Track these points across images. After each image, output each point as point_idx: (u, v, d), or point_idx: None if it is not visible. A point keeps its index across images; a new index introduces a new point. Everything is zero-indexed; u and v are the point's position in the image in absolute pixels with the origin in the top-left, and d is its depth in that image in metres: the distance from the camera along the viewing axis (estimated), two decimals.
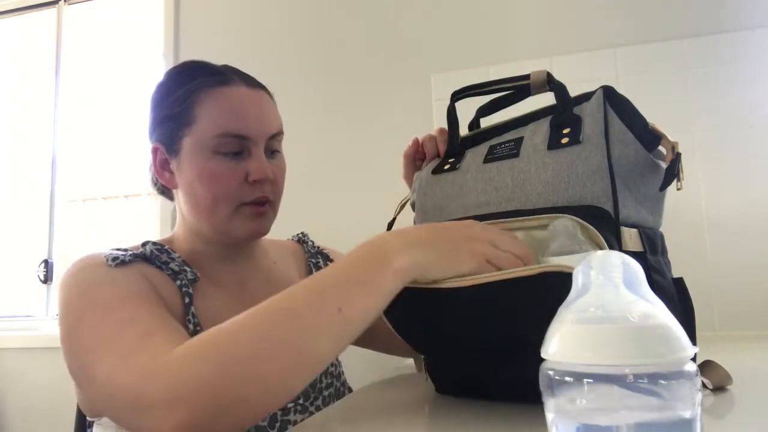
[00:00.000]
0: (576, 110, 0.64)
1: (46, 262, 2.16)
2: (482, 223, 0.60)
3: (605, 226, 0.55)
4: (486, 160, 0.67)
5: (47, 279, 2.15)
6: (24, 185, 2.29)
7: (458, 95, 0.75)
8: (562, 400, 0.33)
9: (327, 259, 0.96)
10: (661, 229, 0.66)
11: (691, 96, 1.47)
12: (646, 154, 0.60)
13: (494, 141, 0.70)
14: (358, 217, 1.70)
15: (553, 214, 0.57)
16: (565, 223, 0.55)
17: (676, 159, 0.59)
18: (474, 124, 0.80)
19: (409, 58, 1.77)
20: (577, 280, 0.37)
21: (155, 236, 0.85)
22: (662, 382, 0.31)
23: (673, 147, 0.60)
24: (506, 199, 0.62)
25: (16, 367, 1.99)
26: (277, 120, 0.81)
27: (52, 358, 1.93)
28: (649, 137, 0.61)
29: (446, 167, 0.72)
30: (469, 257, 0.54)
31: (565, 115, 0.63)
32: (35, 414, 1.95)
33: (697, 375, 0.32)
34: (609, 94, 0.62)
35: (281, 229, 0.97)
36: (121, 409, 0.54)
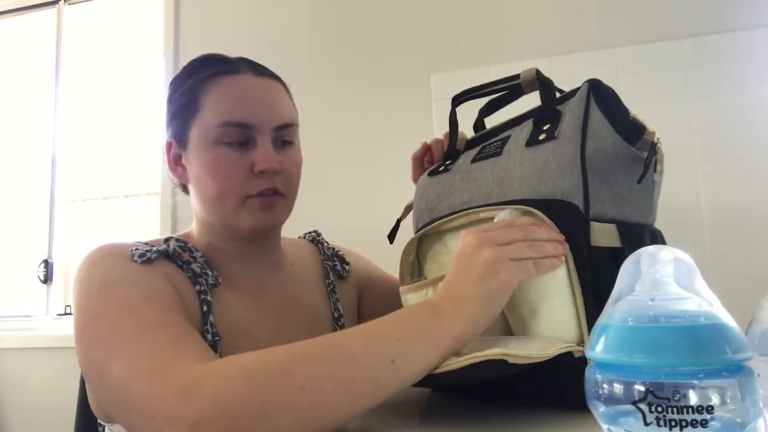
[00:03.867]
0: (561, 107, 0.64)
1: (46, 262, 2.16)
2: (468, 230, 0.57)
3: (571, 221, 0.55)
4: (474, 160, 0.68)
5: (47, 279, 2.15)
6: (24, 185, 2.29)
7: (458, 100, 0.76)
8: (611, 403, 0.31)
9: (343, 261, 0.92)
10: (657, 226, 0.66)
11: (691, 96, 1.47)
12: (626, 147, 0.59)
13: (488, 141, 0.71)
14: (357, 217, 1.70)
15: (503, 206, 0.58)
16: (509, 213, 0.56)
17: (651, 150, 0.58)
18: (478, 124, 0.81)
19: (409, 58, 1.77)
20: (625, 277, 0.34)
21: (155, 236, 0.83)
22: (721, 383, 0.29)
23: (653, 134, 0.60)
24: (486, 195, 0.64)
25: (16, 367, 1.99)
26: (288, 110, 0.77)
27: (52, 358, 1.93)
28: (630, 129, 0.60)
29: (441, 169, 0.73)
30: (498, 271, 0.52)
31: (546, 112, 0.64)
32: (35, 414, 1.94)
33: (758, 375, 0.30)
34: (594, 87, 0.62)
35: (284, 229, 0.97)
36: (134, 416, 0.49)
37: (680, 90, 1.48)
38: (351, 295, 0.90)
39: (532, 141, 0.62)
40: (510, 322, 0.60)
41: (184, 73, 0.79)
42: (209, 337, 0.66)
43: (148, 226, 2.07)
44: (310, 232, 0.97)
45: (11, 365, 2.00)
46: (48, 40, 2.32)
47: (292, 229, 1.02)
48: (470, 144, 0.76)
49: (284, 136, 0.76)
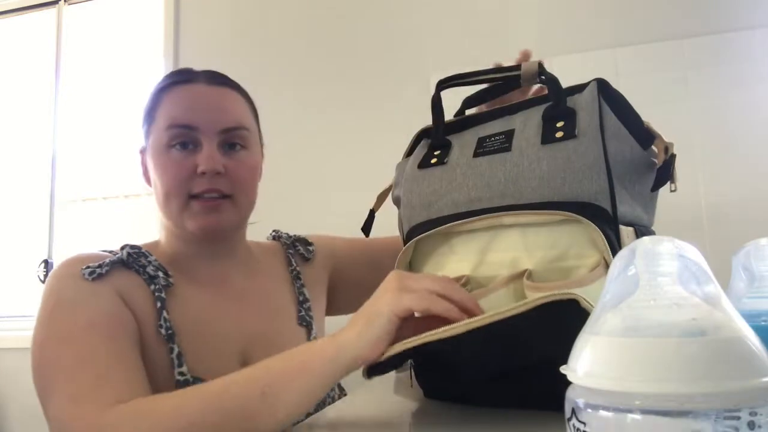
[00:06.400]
0: (569, 102, 0.62)
1: (46, 262, 2.16)
2: (400, 272, 0.58)
3: (606, 225, 0.54)
4: (476, 154, 0.64)
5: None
6: (24, 185, 2.29)
7: (444, 84, 0.72)
8: None
9: (305, 243, 0.95)
10: (653, 228, 0.66)
11: (691, 96, 1.47)
12: (641, 151, 0.59)
13: (482, 132, 0.67)
14: (358, 216, 1.69)
15: (552, 211, 0.55)
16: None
17: (670, 161, 0.57)
18: (460, 115, 0.77)
19: (409, 57, 1.77)
20: (615, 278, 0.29)
21: (155, 236, 0.84)
22: (741, 416, 0.22)
23: (666, 148, 0.59)
24: (499, 194, 0.60)
25: (16, 367, 1.99)
26: (236, 114, 0.80)
27: None
28: (643, 135, 0.60)
29: (433, 161, 0.69)
30: (382, 320, 0.54)
31: (558, 108, 0.62)
32: (35, 414, 1.94)
33: None
34: (603, 87, 0.61)
35: (284, 227, 0.97)
36: None
37: (680, 90, 1.48)
38: (319, 275, 0.93)
39: (547, 138, 0.59)
40: None
41: (153, 87, 0.84)
42: (163, 331, 0.71)
43: (148, 226, 2.06)
44: (270, 233, 0.99)
45: (11, 365, 2.00)
46: (48, 40, 2.32)
47: (294, 228, 1.02)
48: (454, 128, 0.72)
49: (232, 139, 0.79)
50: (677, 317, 0.25)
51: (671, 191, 0.59)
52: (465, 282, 0.61)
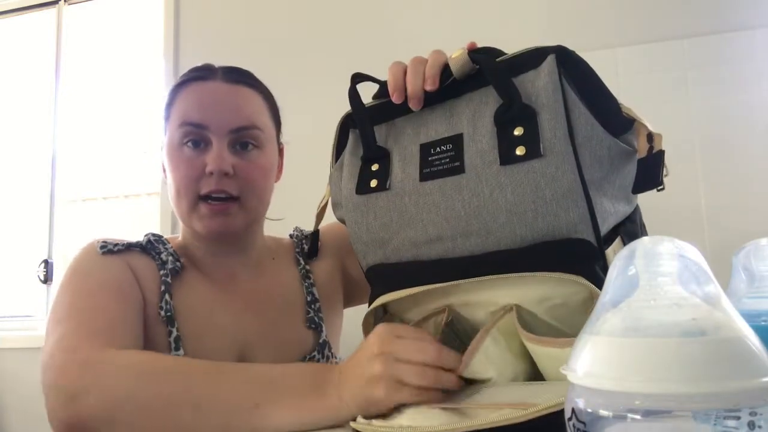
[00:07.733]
0: (524, 83, 0.51)
1: (46, 262, 2.16)
2: (385, 331, 0.52)
3: (589, 260, 0.47)
4: (423, 177, 0.54)
5: (47, 279, 2.15)
6: (24, 185, 2.29)
7: (359, 79, 0.65)
8: None
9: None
10: (656, 227, 0.64)
11: (691, 96, 1.47)
12: (617, 144, 0.50)
13: (423, 133, 0.56)
14: None
15: (528, 273, 0.48)
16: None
17: (658, 158, 0.49)
18: (382, 96, 0.67)
19: (406, 58, 1.76)
20: (615, 278, 0.28)
21: None
22: (741, 416, 0.22)
23: (651, 136, 0.50)
24: (462, 232, 0.51)
25: (16, 367, 1.99)
26: (249, 113, 0.78)
27: None
28: (620, 121, 0.51)
29: (373, 184, 0.58)
30: (377, 388, 0.51)
31: (512, 110, 0.50)
32: (35, 414, 1.94)
33: None
34: (565, 64, 0.50)
35: (289, 230, 0.96)
36: (46, 382, 0.58)
37: (680, 90, 1.48)
38: (329, 267, 0.89)
39: (507, 158, 0.49)
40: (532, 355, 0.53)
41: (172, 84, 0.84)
42: (162, 312, 0.73)
43: (148, 226, 2.06)
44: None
45: (11, 365, 2.00)
46: (48, 40, 2.32)
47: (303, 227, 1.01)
48: (379, 116, 0.62)
49: (243, 138, 0.77)
50: (677, 317, 0.25)
51: (658, 190, 0.51)
52: (446, 313, 0.56)
